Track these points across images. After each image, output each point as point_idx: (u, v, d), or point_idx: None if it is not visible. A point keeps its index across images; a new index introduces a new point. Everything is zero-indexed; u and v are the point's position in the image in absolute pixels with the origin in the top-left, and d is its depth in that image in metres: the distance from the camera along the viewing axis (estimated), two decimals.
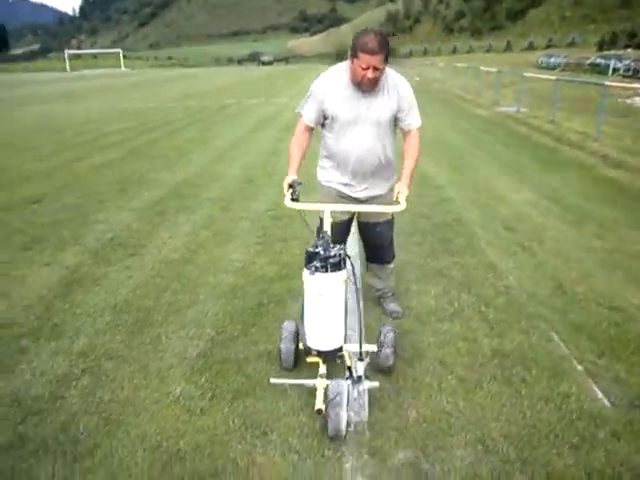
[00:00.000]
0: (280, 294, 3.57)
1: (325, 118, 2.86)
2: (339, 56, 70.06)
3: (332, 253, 2.32)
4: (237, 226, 5.03)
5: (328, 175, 3.03)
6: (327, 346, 2.41)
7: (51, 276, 3.96)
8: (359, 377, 2.42)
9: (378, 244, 3.24)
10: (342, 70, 2.76)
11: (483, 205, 5.66)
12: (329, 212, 2.57)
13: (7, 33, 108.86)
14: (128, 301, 3.53)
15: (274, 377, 2.58)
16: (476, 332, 3.11)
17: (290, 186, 2.69)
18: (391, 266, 3.36)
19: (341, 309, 2.40)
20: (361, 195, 3.00)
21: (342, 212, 2.94)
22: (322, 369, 2.52)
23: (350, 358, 2.51)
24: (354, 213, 3.07)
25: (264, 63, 52.74)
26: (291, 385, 2.56)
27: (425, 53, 72.09)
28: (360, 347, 2.45)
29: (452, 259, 4.18)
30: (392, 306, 3.37)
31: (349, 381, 2.40)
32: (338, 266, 2.32)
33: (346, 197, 3.01)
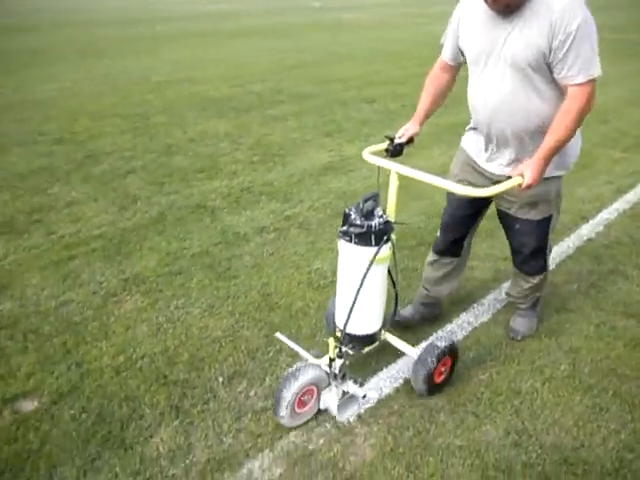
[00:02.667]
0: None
1: (462, 54, 2.09)
2: None
3: (362, 223, 1.87)
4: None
5: (467, 134, 2.29)
6: (347, 326, 1.99)
7: (321, 159, 4.94)
8: (335, 375, 2.01)
9: (513, 245, 2.34)
10: None
11: None
12: (395, 174, 1.99)
13: None
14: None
15: (280, 333, 2.37)
16: None
17: (393, 140, 2.19)
18: (534, 281, 2.38)
19: (369, 291, 1.95)
20: (495, 170, 2.10)
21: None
22: (335, 350, 2.01)
23: (335, 349, 1.99)
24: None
25: None
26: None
27: None
28: (341, 342, 2.01)
29: None
30: (518, 321, 2.50)
31: (330, 374, 2.03)
32: (365, 240, 1.87)
33: (477, 168, 2.18)
